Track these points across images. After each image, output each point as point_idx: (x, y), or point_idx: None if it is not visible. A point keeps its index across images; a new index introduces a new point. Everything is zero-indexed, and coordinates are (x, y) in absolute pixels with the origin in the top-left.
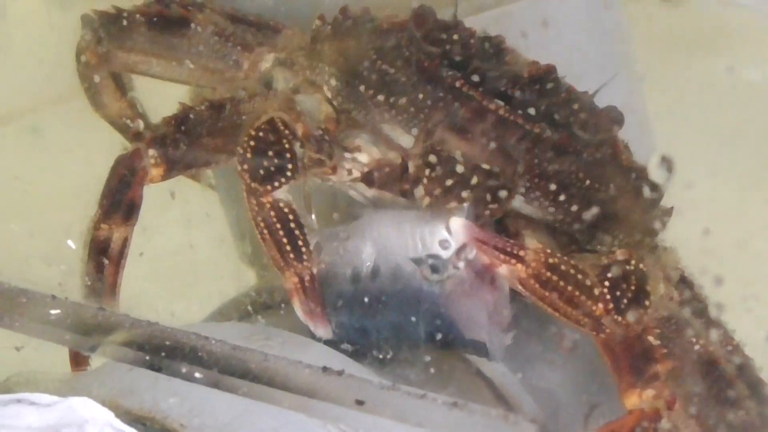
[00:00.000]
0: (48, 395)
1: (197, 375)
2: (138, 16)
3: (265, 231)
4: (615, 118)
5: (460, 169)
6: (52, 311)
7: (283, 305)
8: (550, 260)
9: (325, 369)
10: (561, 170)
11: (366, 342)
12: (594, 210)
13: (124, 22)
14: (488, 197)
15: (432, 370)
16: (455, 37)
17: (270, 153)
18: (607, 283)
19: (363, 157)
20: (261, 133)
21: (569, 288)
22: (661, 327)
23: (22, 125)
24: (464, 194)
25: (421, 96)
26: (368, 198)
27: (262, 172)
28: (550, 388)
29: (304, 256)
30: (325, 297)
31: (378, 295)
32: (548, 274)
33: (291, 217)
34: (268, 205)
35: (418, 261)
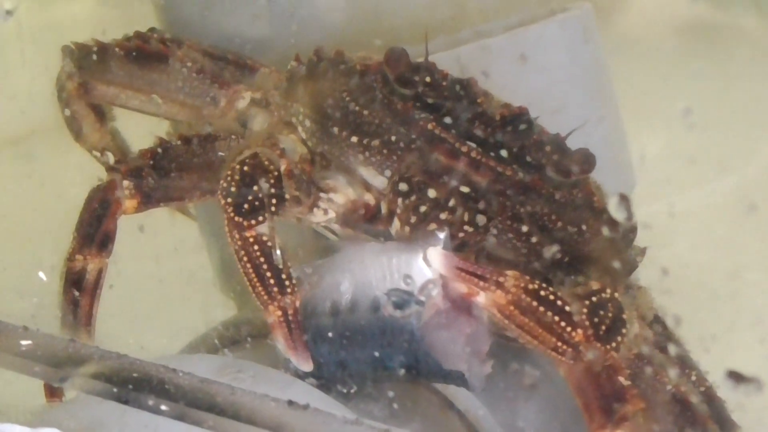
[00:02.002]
0: (19, 426)
1: (163, 408)
2: (117, 49)
3: (248, 265)
4: (587, 160)
5: (432, 194)
6: (24, 342)
7: (249, 339)
8: (530, 286)
9: (290, 403)
10: (533, 212)
11: (344, 374)
12: (566, 251)
13: (103, 55)
14: (465, 218)
15: (395, 406)
16: (427, 79)
17: (255, 187)
18: (585, 310)
19: (338, 198)
20: (245, 167)
21: (548, 314)
22: (632, 367)
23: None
24: (442, 216)
25: (394, 138)
26: (341, 236)
27: (246, 206)
28: (516, 425)
29: (288, 289)
30: (306, 332)
31: (357, 328)
32: (528, 299)
33: (272, 251)
34: (252, 239)
35: (381, 298)
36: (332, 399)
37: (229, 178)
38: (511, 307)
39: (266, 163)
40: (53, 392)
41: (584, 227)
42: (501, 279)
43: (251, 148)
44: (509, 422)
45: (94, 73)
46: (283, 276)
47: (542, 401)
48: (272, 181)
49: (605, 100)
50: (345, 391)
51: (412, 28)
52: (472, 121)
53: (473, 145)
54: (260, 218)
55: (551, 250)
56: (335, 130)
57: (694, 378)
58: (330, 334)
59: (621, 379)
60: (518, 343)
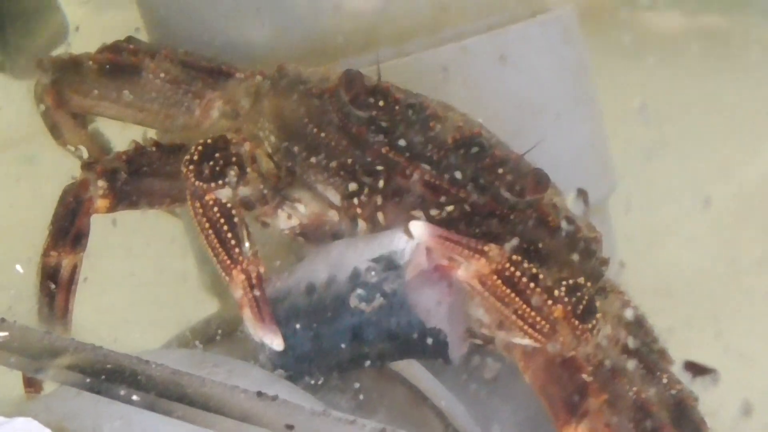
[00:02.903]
0: None
1: (135, 398)
2: (90, 63)
3: (210, 231)
4: (540, 180)
5: (381, 183)
6: (0, 334)
7: (219, 333)
8: (514, 257)
9: (259, 394)
10: (489, 232)
11: (311, 365)
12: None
13: (78, 68)
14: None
15: (362, 397)
16: (381, 103)
17: (217, 155)
18: (564, 289)
19: (302, 208)
20: (209, 140)
21: (531, 285)
22: (596, 369)
23: None
24: (410, 199)
25: (349, 161)
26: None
27: (207, 171)
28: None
29: (250, 252)
30: (279, 313)
31: (333, 301)
32: (511, 269)
33: (234, 212)
34: (212, 202)
35: (360, 267)
36: (302, 391)
37: (193, 149)
38: (494, 277)
39: (231, 138)
40: (32, 384)
41: (540, 245)
42: (486, 248)
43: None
44: (477, 415)
45: (69, 85)
46: (244, 238)
47: (507, 394)
48: (234, 150)
49: (587, 100)
50: (312, 382)
51: (392, 28)
52: (425, 144)
53: (427, 167)
54: (220, 182)
55: None
56: (295, 149)
57: (665, 381)
58: (304, 311)
59: (583, 375)
60: (479, 338)
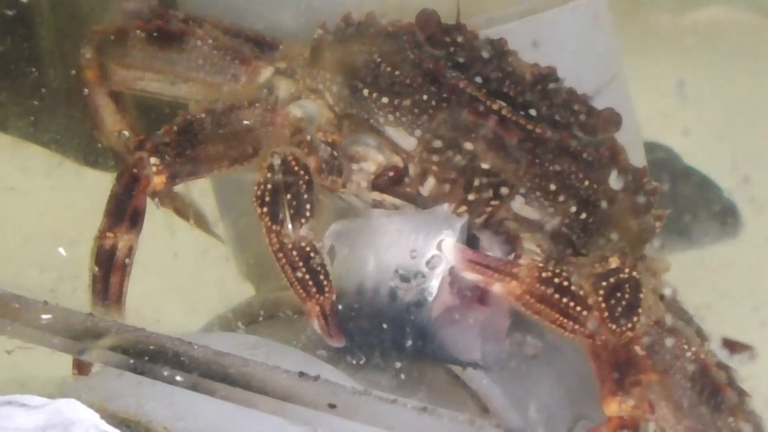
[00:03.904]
0: (37, 397)
1: (178, 378)
2: (138, 32)
3: (287, 267)
4: (614, 119)
5: (468, 146)
6: (44, 316)
7: (261, 314)
8: (544, 274)
9: (301, 374)
10: (561, 170)
11: (353, 346)
12: (591, 211)
13: (123, 38)
14: (491, 193)
15: (402, 377)
16: (459, 39)
17: (288, 196)
18: (602, 292)
19: (369, 166)
20: (276, 176)
21: (564, 300)
22: (650, 333)
23: None
24: (476, 182)
25: (425, 97)
26: (369, 203)
27: (281, 215)
28: (522, 396)
29: (326, 289)
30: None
31: (376, 311)
32: (542, 288)
33: (312, 255)
34: (290, 246)
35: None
36: (341, 373)
37: (262, 186)
38: (527, 296)
39: (295, 166)
40: (80, 367)
41: (610, 187)
42: (515, 270)
43: (278, 149)
44: (515, 393)
45: (114, 57)
46: (321, 277)
47: (548, 371)
48: (304, 186)
49: (617, 83)
50: (354, 362)
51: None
52: (503, 80)
53: (503, 103)
54: (297, 225)
55: (578, 210)
56: (365, 92)
57: (707, 349)
58: (354, 314)
59: (637, 348)
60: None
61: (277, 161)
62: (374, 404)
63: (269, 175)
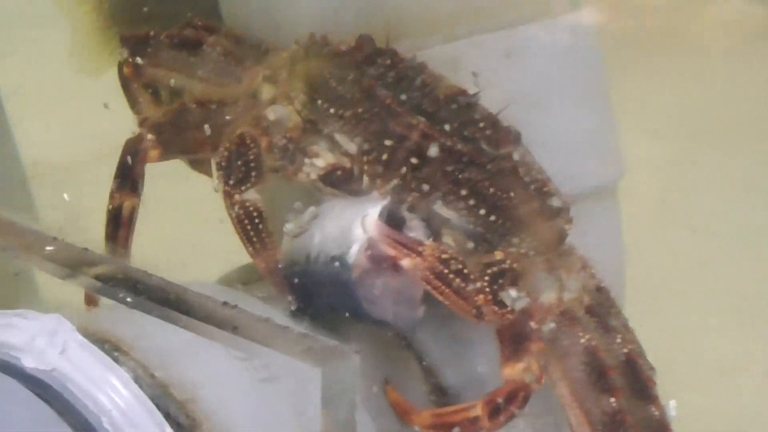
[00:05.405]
0: (34, 312)
1: (128, 299)
2: (163, 37)
3: (237, 225)
4: (514, 135)
5: (388, 143)
6: (48, 248)
7: (255, 277)
8: (443, 256)
9: (224, 303)
10: (470, 178)
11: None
12: (500, 214)
13: (153, 43)
14: (412, 184)
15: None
16: (388, 62)
17: (239, 162)
18: (486, 278)
19: (319, 162)
20: (233, 146)
21: (457, 280)
22: (550, 320)
23: None
24: (403, 170)
25: (360, 110)
26: (324, 192)
27: (232, 178)
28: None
29: (267, 246)
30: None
31: (316, 276)
32: (440, 267)
33: (255, 213)
34: (237, 205)
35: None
36: (287, 319)
37: (221, 155)
38: (428, 273)
39: (248, 141)
40: (90, 300)
41: (512, 194)
42: (420, 248)
43: (240, 128)
44: (457, 352)
45: (145, 57)
46: (263, 235)
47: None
48: (252, 157)
49: (596, 93)
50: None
51: (414, 25)
52: (422, 98)
53: (422, 119)
54: (243, 188)
55: (487, 214)
56: (319, 102)
57: (618, 340)
58: (305, 279)
59: (531, 324)
60: None
61: (236, 135)
62: (269, 329)
63: (228, 145)
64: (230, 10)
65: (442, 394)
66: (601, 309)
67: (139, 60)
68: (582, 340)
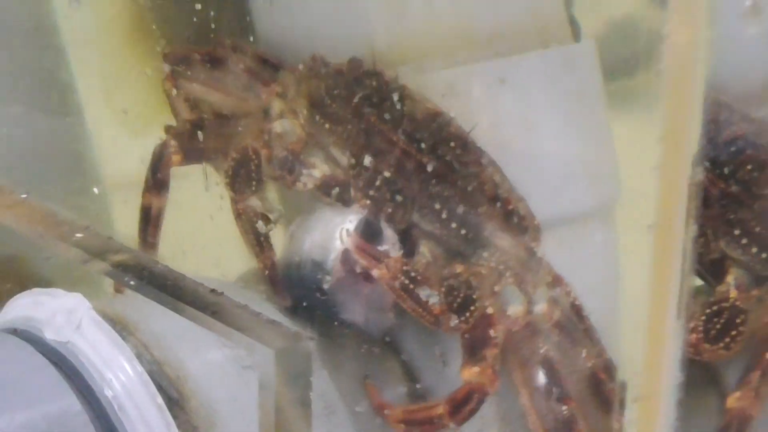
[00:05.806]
0: (62, 290)
1: (131, 282)
2: (196, 55)
3: (240, 228)
4: (480, 154)
5: (367, 161)
6: (77, 235)
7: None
8: (405, 268)
9: (212, 290)
10: (441, 194)
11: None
12: (469, 229)
13: (187, 59)
14: (387, 195)
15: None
16: (374, 83)
17: (242, 172)
18: (443, 290)
19: (316, 173)
20: (237, 157)
21: (416, 291)
22: (516, 327)
23: None
24: (381, 184)
25: (350, 127)
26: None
27: (236, 186)
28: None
29: (264, 248)
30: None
31: (304, 280)
32: (402, 278)
33: (255, 219)
34: (240, 211)
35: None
36: (276, 311)
37: (228, 165)
38: (393, 283)
39: (251, 154)
40: (117, 287)
41: (479, 210)
42: (387, 260)
43: (245, 140)
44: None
45: (181, 72)
46: (261, 239)
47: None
48: (253, 168)
49: (591, 118)
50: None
51: (412, 51)
52: (402, 118)
53: (402, 137)
54: (244, 195)
55: (458, 227)
56: (317, 118)
57: (584, 355)
58: (296, 282)
59: (491, 331)
60: None
61: (240, 147)
62: (244, 314)
63: (233, 156)
64: (262, 32)
65: (418, 396)
66: (570, 324)
67: (176, 75)
68: (541, 351)
